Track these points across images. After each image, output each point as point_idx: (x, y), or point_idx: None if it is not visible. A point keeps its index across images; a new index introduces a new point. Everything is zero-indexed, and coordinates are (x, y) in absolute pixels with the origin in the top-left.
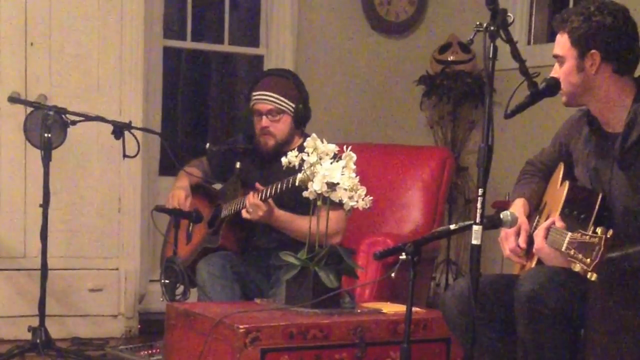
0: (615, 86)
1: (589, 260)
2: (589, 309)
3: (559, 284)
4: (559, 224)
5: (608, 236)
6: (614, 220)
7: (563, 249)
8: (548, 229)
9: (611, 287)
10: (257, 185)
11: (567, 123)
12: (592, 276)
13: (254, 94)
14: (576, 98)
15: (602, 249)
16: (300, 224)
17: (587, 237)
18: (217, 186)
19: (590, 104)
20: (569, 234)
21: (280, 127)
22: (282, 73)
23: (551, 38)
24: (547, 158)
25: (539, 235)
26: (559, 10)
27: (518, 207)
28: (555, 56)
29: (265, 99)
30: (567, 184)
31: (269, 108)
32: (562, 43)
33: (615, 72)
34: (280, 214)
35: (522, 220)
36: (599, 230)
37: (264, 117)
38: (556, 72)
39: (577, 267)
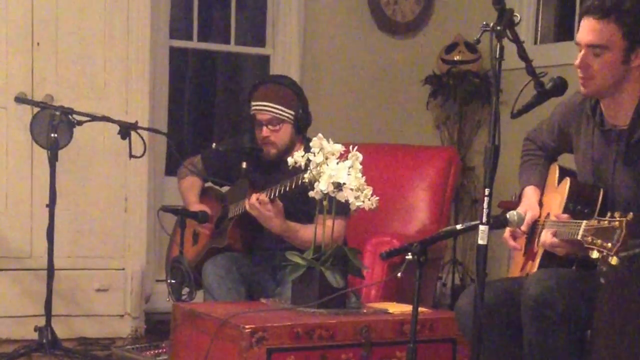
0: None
1: (609, 244)
2: (596, 311)
3: (566, 287)
4: (564, 217)
5: (629, 219)
6: None
7: (579, 237)
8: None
9: (618, 288)
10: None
11: (564, 107)
12: (613, 260)
13: (253, 103)
14: (606, 91)
15: (624, 231)
16: (304, 232)
17: (606, 222)
18: (225, 188)
19: (612, 96)
20: (584, 221)
21: (281, 136)
22: (279, 80)
23: (558, 38)
24: (546, 137)
25: (547, 231)
26: (566, 10)
27: (530, 196)
28: (590, 45)
29: (263, 109)
30: (568, 180)
31: (269, 118)
32: (607, 32)
33: None
34: (285, 221)
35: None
36: (617, 214)
37: (264, 127)
38: (588, 61)
39: (595, 254)
